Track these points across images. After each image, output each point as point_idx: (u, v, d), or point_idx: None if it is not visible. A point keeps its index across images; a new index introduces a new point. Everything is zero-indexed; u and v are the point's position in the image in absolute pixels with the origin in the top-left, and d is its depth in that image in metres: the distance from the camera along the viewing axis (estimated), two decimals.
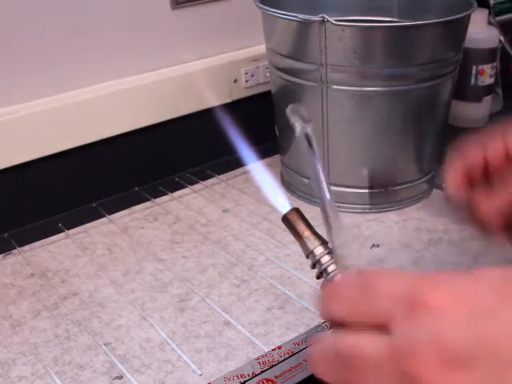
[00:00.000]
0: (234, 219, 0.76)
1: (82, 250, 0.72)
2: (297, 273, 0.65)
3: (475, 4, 0.72)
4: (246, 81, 0.89)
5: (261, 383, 0.50)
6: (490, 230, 0.46)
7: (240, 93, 0.89)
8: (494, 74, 0.93)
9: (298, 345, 0.53)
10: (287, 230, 0.36)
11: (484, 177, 0.47)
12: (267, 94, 0.84)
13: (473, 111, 0.95)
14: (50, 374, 0.54)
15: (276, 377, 0.50)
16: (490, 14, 0.95)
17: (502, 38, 0.97)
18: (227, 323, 0.59)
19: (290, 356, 0.52)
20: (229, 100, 0.88)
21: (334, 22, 0.65)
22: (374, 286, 0.26)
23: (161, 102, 0.83)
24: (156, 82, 0.82)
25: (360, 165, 0.74)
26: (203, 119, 0.85)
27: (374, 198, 0.76)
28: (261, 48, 0.83)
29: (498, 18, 0.99)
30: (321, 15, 0.66)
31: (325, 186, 0.33)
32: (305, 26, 0.68)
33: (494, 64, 0.92)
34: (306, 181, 0.78)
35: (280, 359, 0.52)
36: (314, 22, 0.67)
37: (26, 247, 0.73)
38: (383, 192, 0.76)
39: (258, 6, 0.73)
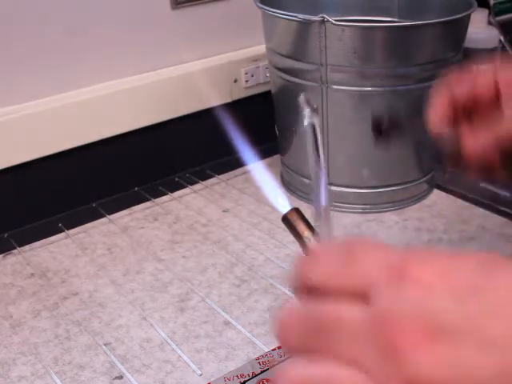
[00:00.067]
0: (234, 219, 0.76)
1: (82, 250, 0.72)
2: None
3: (475, 4, 0.72)
4: (246, 81, 0.89)
5: (261, 383, 0.50)
6: (472, 167, 0.45)
7: (240, 93, 0.89)
8: None
9: None
10: (287, 230, 0.36)
11: (470, 112, 0.46)
12: (267, 93, 0.84)
13: None
14: (50, 374, 0.54)
15: None
16: (489, 13, 0.95)
17: (502, 38, 0.97)
18: (227, 323, 0.59)
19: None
20: (229, 100, 0.88)
21: (333, 22, 0.65)
22: (359, 252, 0.25)
23: (161, 102, 0.83)
24: (156, 82, 0.82)
25: (360, 165, 0.74)
26: (203, 119, 0.85)
27: (374, 198, 0.76)
28: (261, 48, 0.83)
29: (498, 18, 0.99)
30: (321, 15, 0.66)
31: (323, 184, 0.33)
32: (305, 26, 0.68)
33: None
34: (306, 181, 0.78)
35: (280, 359, 0.52)
36: (314, 21, 0.67)
37: (26, 247, 0.73)
38: (383, 192, 0.76)
39: (258, 6, 0.73)
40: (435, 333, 0.21)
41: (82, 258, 0.70)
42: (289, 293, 0.62)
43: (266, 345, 0.56)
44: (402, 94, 0.70)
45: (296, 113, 0.75)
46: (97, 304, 0.63)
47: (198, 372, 0.53)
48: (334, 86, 0.70)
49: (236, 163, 0.84)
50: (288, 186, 0.82)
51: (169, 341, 0.57)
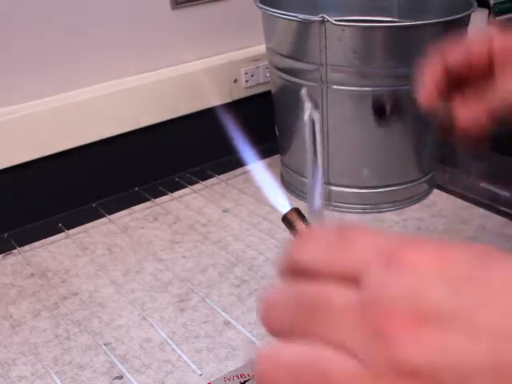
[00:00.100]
0: (234, 219, 0.76)
1: (82, 250, 0.72)
2: None
3: (475, 4, 0.72)
4: (246, 81, 0.89)
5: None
6: (464, 139, 0.44)
7: (240, 93, 0.89)
8: None
9: None
10: (287, 230, 0.36)
11: (463, 83, 0.45)
12: (267, 93, 0.84)
13: None
14: (50, 374, 0.54)
15: None
16: (489, 13, 0.95)
17: None
18: (227, 323, 0.59)
19: None
20: (229, 100, 0.88)
21: (334, 22, 0.65)
22: (352, 236, 0.24)
23: (161, 102, 0.83)
24: (156, 82, 0.82)
25: (360, 165, 0.74)
26: (203, 119, 0.85)
27: (374, 198, 0.76)
28: (261, 48, 0.83)
29: (498, 18, 0.99)
30: (321, 15, 0.66)
31: (318, 179, 0.33)
32: (305, 26, 0.68)
33: None
34: (306, 181, 0.78)
35: None
36: (314, 21, 0.67)
37: (26, 247, 0.73)
38: (383, 192, 0.76)
39: (258, 6, 0.73)
40: (425, 319, 0.21)
41: (81, 258, 0.70)
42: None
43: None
44: (402, 94, 0.70)
45: (296, 113, 0.75)
46: (97, 304, 0.63)
47: (198, 372, 0.53)
48: (334, 86, 0.70)
49: (236, 163, 0.84)
50: (288, 185, 0.82)
51: (169, 341, 0.57)
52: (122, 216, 0.78)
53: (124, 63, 0.80)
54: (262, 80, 0.90)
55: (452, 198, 0.79)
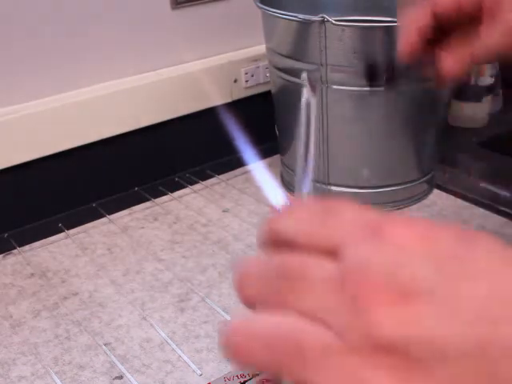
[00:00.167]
0: (234, 219, 0.76)
1: (82, 250, 0.72)
2: None
3: None
4: (246, 81, 0.89)
5: (261, 383, 0.50)
6: (447, 83, 0.44)
7: (240, 93, 0.89)
8: (494, 73, 0.93)
9: None
10: None
11: (448, 29, 0.45)
12: (267, 93, 0.84)
13: (473, 111, 0.95)
14: (50, 374, 0.54)
15: None
16: None
17: None
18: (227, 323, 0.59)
19: None
20: (229, 100, 0.88)
21: (334, 22, 0.65)
22: (337, 210, 0.24)
23: (161, 102, 0.83)
24: (156, 82, 0.82)
25: (360, 165, 0.74)
26: (203, 119, 0.85)
27: (374, 198, 0.76)
28: (261, 48, 0.83)
29: None
30: (321, 15, 0.66)
31: (308, 167, 0.32)
32: (305, 26, 0.68)
33: (494, 64, 0.92)
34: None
35: None
36: (314, 21, 0.67)
37: (26, 247, 0.73)
38: (383, 192, 0.76)
39: (258, 6, 0.73)
40: (406, 295, 0.20)
41: (81, 258, 0.70)
42: None
43: None
44: (401, 93, 0.70)
45: (296, 113, 0.75)
46: (97, 304, 0.63)
47: (198, 372, 0.53)
48: (334, 86, 0.70)
49: (236, 163, 0.84)
50: (288, 186, 0.82)
51: (169, 341, 0.57)
52: (122, 216, 0.78)
53: (124, 63, 0.80)
54: (262, 80, 0.90)
55: (452, 197, 0.79)
